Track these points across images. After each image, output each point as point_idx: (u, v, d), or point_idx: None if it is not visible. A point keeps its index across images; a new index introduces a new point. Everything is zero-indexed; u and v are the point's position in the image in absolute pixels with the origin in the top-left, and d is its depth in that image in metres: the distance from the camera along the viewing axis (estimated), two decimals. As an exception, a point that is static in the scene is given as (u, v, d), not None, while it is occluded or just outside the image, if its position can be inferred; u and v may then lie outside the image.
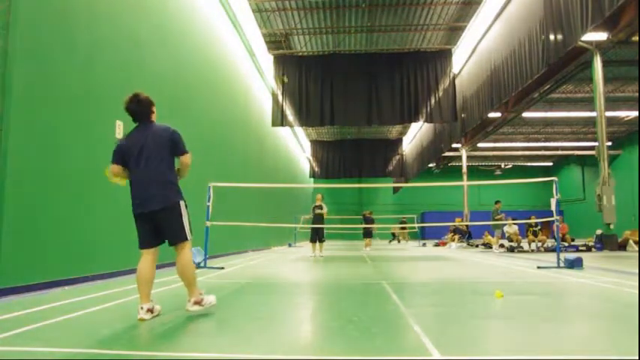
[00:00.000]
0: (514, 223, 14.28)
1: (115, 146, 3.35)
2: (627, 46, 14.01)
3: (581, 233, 22.96)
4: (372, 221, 16.77)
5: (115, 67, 5.92)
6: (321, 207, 11.22)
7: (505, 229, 14.30)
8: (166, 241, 3.34)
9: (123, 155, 3.28)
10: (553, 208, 7.71)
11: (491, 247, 15.25)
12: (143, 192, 3.21)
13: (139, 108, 3.35)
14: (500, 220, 13.73)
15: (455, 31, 15.03)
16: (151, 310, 3.15)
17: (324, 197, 11.93)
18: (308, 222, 11.64)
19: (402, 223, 25.09)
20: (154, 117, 3.46)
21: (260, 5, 13.22)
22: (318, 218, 11.23)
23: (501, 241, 14.47)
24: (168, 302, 3.91)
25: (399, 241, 25.11)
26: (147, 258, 3.27)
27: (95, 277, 5.34)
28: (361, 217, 18.01)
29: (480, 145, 25.80)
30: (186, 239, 3.31)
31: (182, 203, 3.32)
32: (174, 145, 3.35)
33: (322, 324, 3.20)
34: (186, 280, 3.30)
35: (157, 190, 3.21)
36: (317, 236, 11.09)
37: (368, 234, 16.01)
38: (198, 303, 3.27)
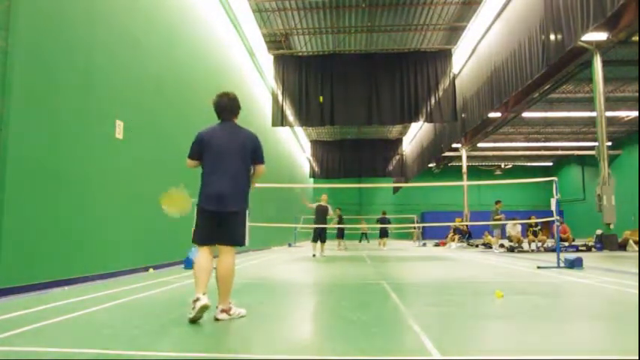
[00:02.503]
0: (517, 223, 14.26)
1: (195, 137, 3.33)
2: (627, 46, 14.00)
3: (581, 233, 22.95)
4: (388, 221, 17.51)
5: (115, 67, 5.92)
6: (326, 209, 11.26)
7: (508, 229, 14.30)
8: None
9: (203, 147, 3.27)
10: (553, 208, 7.71)
11: (491, 247, 15.25)
12: (221, 190, 3.18)
13: (231, 103, 3.41)
14: (500, 220, 13.72)
15: (455, 31, 15.03)
16: (226, 311, 3.15)
17: (328, 197, 11.98)
18: (308, 221, 11.63)
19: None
20: (236, 119, 3.48)
21: (260, 5, 13.22)
22: (322, 219, 11.21)
23: (501, 241, 14.47)
24: (169, 302, 3.91)
25: (368, 241, 24.80)
26: (206, 251, 3.24)
27: (95, 277, 5.34)
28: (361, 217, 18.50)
29: (480, 145, 25.80)
30: (243, 244, 3.31)
31: (247, 211, 3.34)
32: (257, 153, 3.39)
33: (322, 324, 3.20)
34: (226, 284, 3.21)
35: (234, 192, 3.22)
36: (320, 236, 11.12)
37: (384, 234, 16.75)
38: (226, 312, 3.16)
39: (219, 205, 3.17)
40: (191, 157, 3.35)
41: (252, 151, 3.35)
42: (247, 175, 3.36)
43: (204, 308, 2.96)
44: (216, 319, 3.10)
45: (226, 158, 3.24)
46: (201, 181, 3.28)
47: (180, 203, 3.52)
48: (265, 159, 3.54)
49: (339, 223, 15.57)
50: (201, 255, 3.23)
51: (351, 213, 29.96)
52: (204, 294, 3.03)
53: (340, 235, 16.57)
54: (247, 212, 3.33)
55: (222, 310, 3.15)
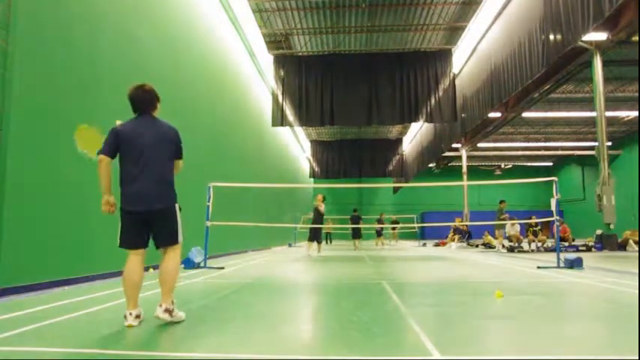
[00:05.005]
0: (516, 223, 14.27)
1: (109, 132, 3.04)
2: (627, 46, 14.01)
3: (581, 233, 22.95)
4: (397, 223, 19.05)
5: (115, 67, 5.92)
6: (317, 208, 11.41)
7: (507, 228, 14.30)
8: (153, 242, 3.17)
9: (119, 144, 3.01)
10: (553, 208, 7.71)
11: (491, 247, 15.25)
12: (142, 189, 2.99)
13: (145, 95, 3.16)
14: (504, 219, 13.73)
15: (455, 31, 15.03)
16: (138, 317, 2.97)
17: (325, 198, 11.99)
18: (308, 222, 11.70)
19: (392, 222, 24.77)
20: (156, 112, 3.24)
21: (260, 5, 13.21)
22: (317, 219, 11.32)
23: (503, 241, 14.47)
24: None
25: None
26: (136, 259, 3.05)
27: (95, 277, 5.34)
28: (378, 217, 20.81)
29: (480, 145, 25.80)
30: (178, 242, 3.17)
31: (177, 206, 3.18)
32: (178, 147, 3.24)
33: (322, 324, 3.20)
34: (168, 284, 3.05)
35: (159, 188, 3.04)
36: (315, 236, 11.26)
37: (356, 234, 17.41)
38: (169, 311, 2.98)
39: (145, 205, 2.99)
40: (105, 152, 2.98)
41: (175, 144, 3.19)
42: (172, 170, 3.18)
43: (129, 327, 2.85)
44: (157, 317, 2.95)
45: (149, 154, 3.02)
46: (121, 180, 3.04)
47: (92, 141, 3.36)
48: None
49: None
50: (130, 264, 3.03)
51: (351, 213, 29.92)
52: (132, 313, 2.91)
53: (356, 235, 16.99)
54: (177, 207, 3.17)
55: (166, 310, 2.97)
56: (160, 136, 3.12)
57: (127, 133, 3.04)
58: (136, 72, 6.53)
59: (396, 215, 26.46)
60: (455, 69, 15.50)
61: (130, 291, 2.98)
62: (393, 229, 23.61)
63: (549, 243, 13.89)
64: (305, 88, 15.23)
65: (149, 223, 3.07)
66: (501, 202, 14.26)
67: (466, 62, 15.58)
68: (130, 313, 2.92)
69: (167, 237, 3.12)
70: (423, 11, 13.78)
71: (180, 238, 3.18)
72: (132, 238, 3.06)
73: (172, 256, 3.14)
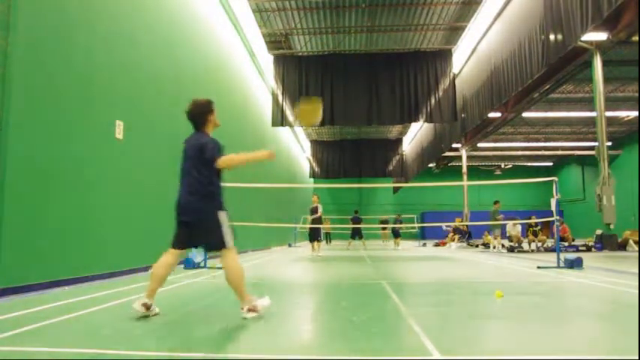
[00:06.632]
0: (517, 223, 14.27)
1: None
2: (627, 46, 14.01)
3: (581, 233, 22.95)
4: (401, 222, 19.29)
5: (115, 67, 5.92)
6: (316, 209, 11.45)
7: (508, 228, 14.30)
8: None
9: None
10: (553, 208, 7.71)
11: (491, 247, 15.25)
12: (180, 199, 3.27)
13: (189, 115, 3.38)
14: (499, 220, 13.74)
15: (455, 31, 15.02)
16: (147, 307, 3.12)
17: (319, 198, 12.03)
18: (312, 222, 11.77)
19: (380, 222, 24.56)
20: (209, 125, 3.39)
21: (260, 5, 13.21)
22: (318, 219, 11.37)
23: (502, 241, 14.47)
24: (169, 302, 3.91)
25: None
26: (166, 256, 3.27)
27: (95, 277, 5.34)
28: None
29: (480, 145, 25.80)
30: (226, 247, 3.26)
31: (219, 213, 3.28)
32: (203, 151, 3.24)
33: (322, 324, 3.20)
34: (233, 288, 3.22)
35: (191, 199, 3.23)
36: (315, 236, 11.32)
37: (397, 234, 18.30)
38: (252, 310, 3.15)
39: (182, 214, 3.25)
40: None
41: (199, 153, 3.23)
42: (204, 180, 3.23)
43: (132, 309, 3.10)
44: (244, 318, 3.13)
45: (184, 167, 3.31)
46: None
47: (312, 114, 3.58)
48: (265, 159, 3.50)
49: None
50: (160, 258, 3.26)
51: (351, 213, 29.93)
52: (144, 303, 3.11)
53: (397, 234, 17.97)
54: (221, 213, 3.24)
55: (248, 310, 3.15)
56: (191, 148, 3.30)
57: (184, 149, 3.38)
58: (136, 72, 6.53)
59: (386, 215, 26.35)
60: (455, 69, 15.50)
61: (151, 281, 3.21)
62: (383, 229, 23.47)
63: (549, 243, 13.90)
64: (305, 88, 15.22)
65: (192, 229, 3.25)
66: (495, 202, 14.30)
67: (466, 62, 15.58)
68: (141, 300, 3.12)
69: (211, 244, 3.31)
70: (423, 11, 13.78)
71: (228, 242, 3.26)
72: (175, 238, 3.31)
73: (225, 261, 3.24)
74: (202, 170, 3.23)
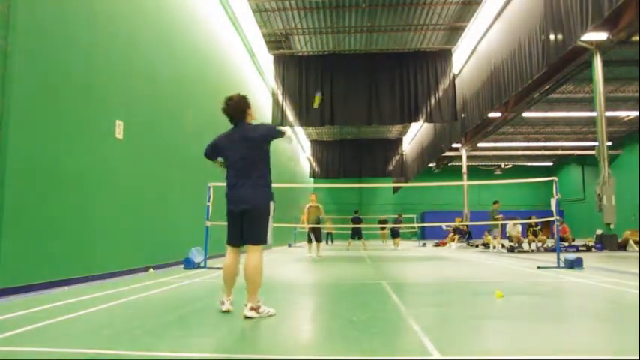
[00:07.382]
0: (518, 224, 14.27)
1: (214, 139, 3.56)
2: (627, 46, 14.00)
3: (581, 233, 22.95)
4: (400, 222, 19.33)
5: (115, 67, 5.92)
6: (317, 208, 11.40)
7: (508, 228, 14.30)
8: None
9: (217, 152, 3.55)
10: (553, 208, 7.71)
11: (490, 247, 15.24)
12: (239, 193, 3.35)
13: (231, 107, 3.46)
14: (499, 220, 13.74)
15: (455, 31, 15.02)
16: (232, 304, 3.41)
17: (317, 197, 12.01)
18: (315, 221, 11.66)
19: (379, 222, 24.19)
20: (250, 118, 3.55)
21: (260, 5, 13.21)
22: (314, 219, 11.34)
23: (502, 241, 14.47)
24: (169, 302, 3.91)
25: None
26: (229, 255, 3.42)
27: (95, 277, 5.34)
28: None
29: (480, 145, 25.79)
30: (262, 242, 3.39)
31: (267, 208, 3.42)
32: (268, 136, 3.52)
33: (322, 324, 3.20)
34: (249, 284, 3.29)
35: (249, 191, 3.35)
36: (313, 236, 11.27)
37: (396, 234, 18.21)
38: (255, 309, 3.21)
39: (241, 204, 3.33)
40: (205, 154, 3.68)
41: (261, 141, 3.45)
42: (261, 170, 3.44)
43: (227, 311, 3.29)
44: (246, 317, 3.15)
45: (237, 159, 3.40)
46: (227, 185, 3.47)
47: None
48: (265, 159, 3.55)
49: (396, 223, 15.98)
50: (225, 258, 3.44)
51: (351, 213, 29.93)
52: (226, 299, 3.38)
53: (396, 234, 17.94)
54: (268, 209, 3.39)
55: (251, 308, 3.20)
56: (243, 140, 3.42)
57: (223, 144, 3.50)
58: (136, 72, 6.53)
59: (386, 215, 26.26)
60: (455, 69, 15.50)
61: (225, 282, 3.43)
62: (382, 229, 23.33)
63: (549, 243, 13.89)
64: (305, 89, 15.22)
65: (242, 222, 3.37)
66: (495, 202, 14.31)
67: (466, 62, 15.58)
68: (224, 302, 3.38)
69: (254, 236, 3.37)
70: (423, 11, 13.78)
71: (267, 238, 3.39)
72: (228, 235, 3.44)
73: (253, 255, 3.33)
74: (261, 160, 3.45)
